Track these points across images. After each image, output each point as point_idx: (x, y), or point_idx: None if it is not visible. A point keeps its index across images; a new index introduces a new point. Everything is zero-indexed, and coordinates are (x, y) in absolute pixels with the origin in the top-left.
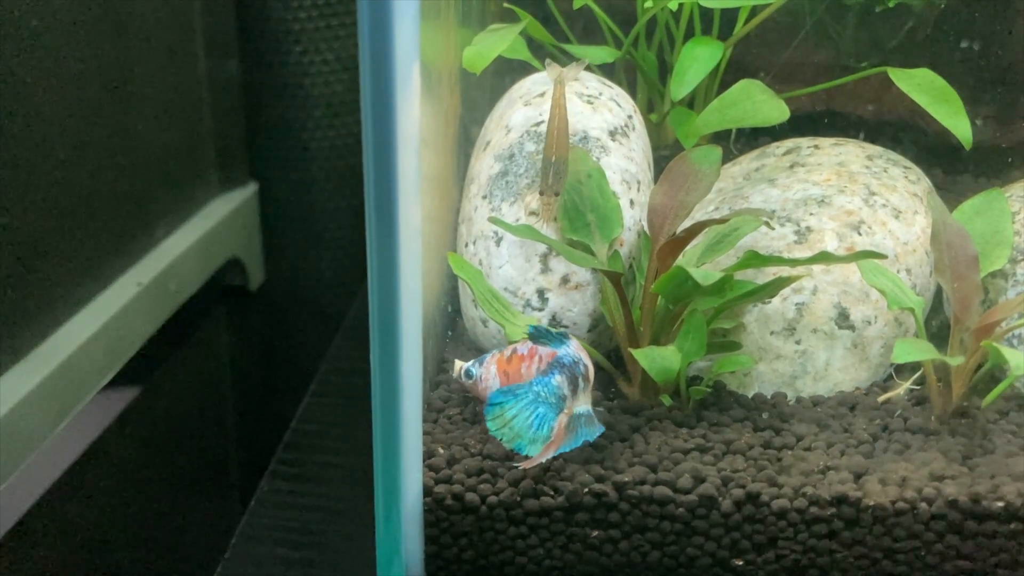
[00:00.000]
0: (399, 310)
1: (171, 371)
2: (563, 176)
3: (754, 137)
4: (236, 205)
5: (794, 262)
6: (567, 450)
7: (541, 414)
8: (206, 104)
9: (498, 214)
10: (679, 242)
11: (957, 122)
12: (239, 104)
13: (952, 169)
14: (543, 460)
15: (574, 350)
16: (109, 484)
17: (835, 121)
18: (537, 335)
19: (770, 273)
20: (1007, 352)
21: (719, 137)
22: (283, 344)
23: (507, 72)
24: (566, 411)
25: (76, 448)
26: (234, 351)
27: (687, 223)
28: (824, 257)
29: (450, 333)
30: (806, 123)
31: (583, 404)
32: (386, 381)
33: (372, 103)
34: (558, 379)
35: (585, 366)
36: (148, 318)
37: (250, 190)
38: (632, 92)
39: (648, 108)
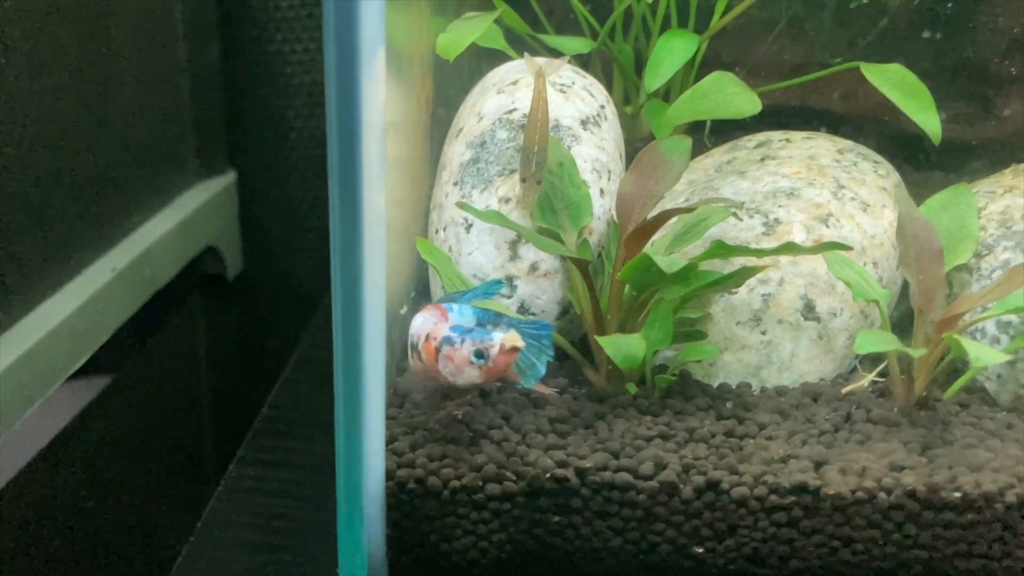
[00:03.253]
0: (362, 295)
1: (145, 359)
2: (544, 165)
3: (730, 131)
4: (214, 193)
5: (760, 252)
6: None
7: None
8: (186, 91)
9: (469, 201)
10: (646, 230)
11: (927, 117)
12: (219, 92)
13: (925, 165)
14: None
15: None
16: (77, 472)
17: (810, 116)
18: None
19: (737, 264)
20: (967, 344)
21: (694, 130)
22: (260, 332)
23: (487, 60)
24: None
25: (44, 435)
26: (211, 339)
27: (656, 212)
28: (790, 248)
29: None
30: (781, 118)
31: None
32: (349, 366)
33: (337, 87)
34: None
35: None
36: (122, 305)
37: (229, 178)
38: (608, 84)
39: (624, 100)
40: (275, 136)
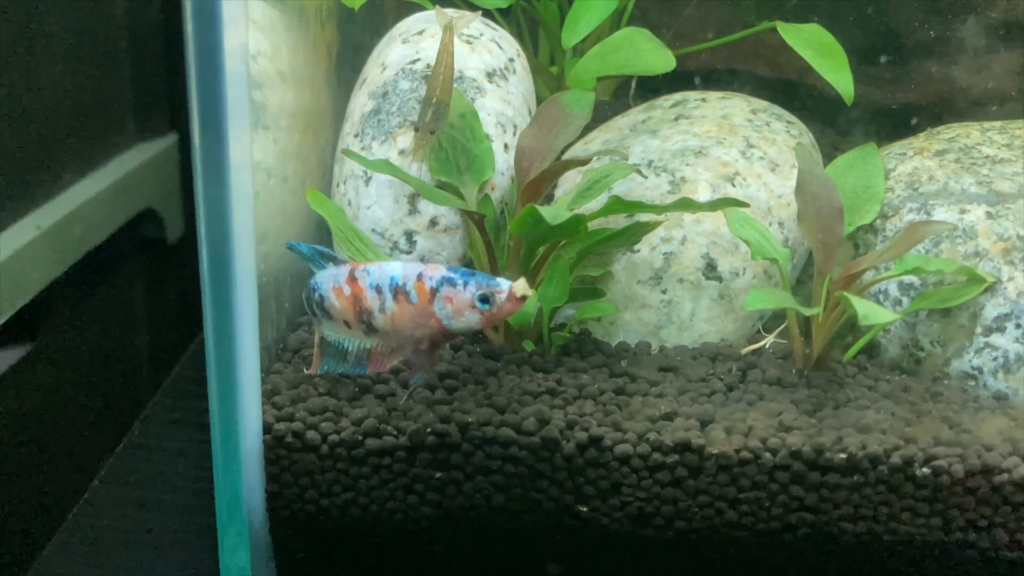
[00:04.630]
0: (231, 247)
1: (75, 322)
2: (442, 119)
3: (662, 92)
4: (154, 154)
5: (655, 208)
6: (318, 372)
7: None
8: (124, 50)
9: (368, 153)
10: (541, 182)
11: (839, 77)
12: (161, 52)
13: (850, 130)
14: (315, 370)
15: (323, 280)
16: None
17: (736, 79)
18: (312, 255)
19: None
20: (856, 302)
21: (623, 91)
22: (200, 297)
23: (407, 12)
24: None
25: None
26: (150, 303)
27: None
28: (686, 204)
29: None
30: (707, 80)
31: (334, 334)
32: (219, 318)
33: (195, 35)
34: (304, 294)
35: (321, 297)
36: (47, 265)
37: (170, 140)
38: (535, 43)
39: (550, 60)
40: None
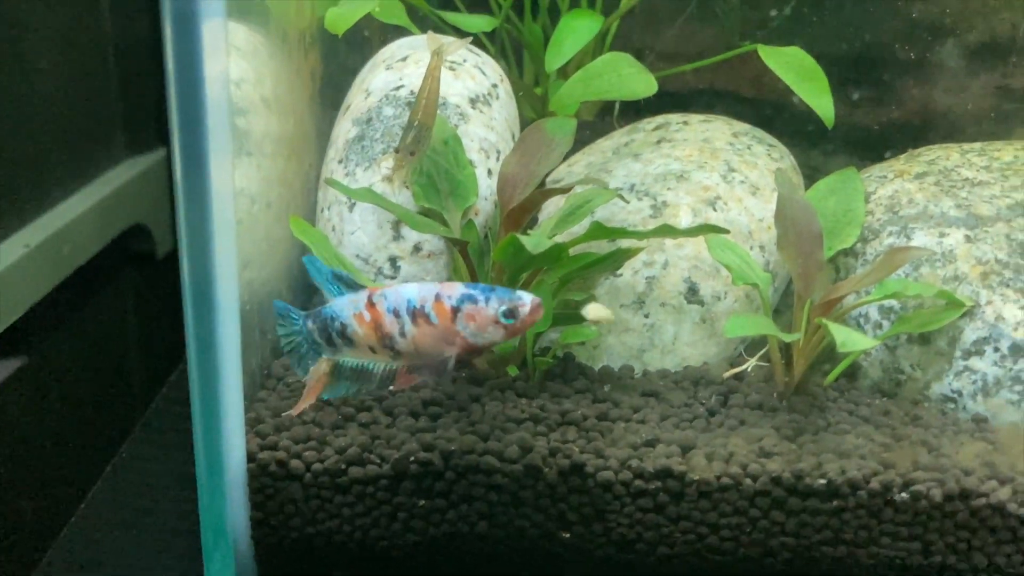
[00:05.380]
0: (213, 274)
1: (65, 339)
2: (424, 142)
3: (646, 113)
4: (143, 169)
5: (637, 234)
6: (332, 396)
7: (303, 348)
8: (112, 65)
9: (352, 179)
10: (524, 209)
11: (820, 101)
12: (149, 67)
13: (833, 151)
14: (306, 405)
15: (342, 308)
16: None
17: (718, 100)
18: (328, 278)
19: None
20: (835, 329)
21: (607, 112)
22: None
23: (392, 37)
24: (325, 359)
25: None
26: (140, 318)
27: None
28: (666, 230)
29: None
30: (690, 101)
31: (350, 357)
32: (202, 346)
33: (176, 61)
34: (310, 325)
35: (343, 325)
36: (36, 283)
37: (159, 155)
38: (519, 65)
39: (535, 82)
40: None
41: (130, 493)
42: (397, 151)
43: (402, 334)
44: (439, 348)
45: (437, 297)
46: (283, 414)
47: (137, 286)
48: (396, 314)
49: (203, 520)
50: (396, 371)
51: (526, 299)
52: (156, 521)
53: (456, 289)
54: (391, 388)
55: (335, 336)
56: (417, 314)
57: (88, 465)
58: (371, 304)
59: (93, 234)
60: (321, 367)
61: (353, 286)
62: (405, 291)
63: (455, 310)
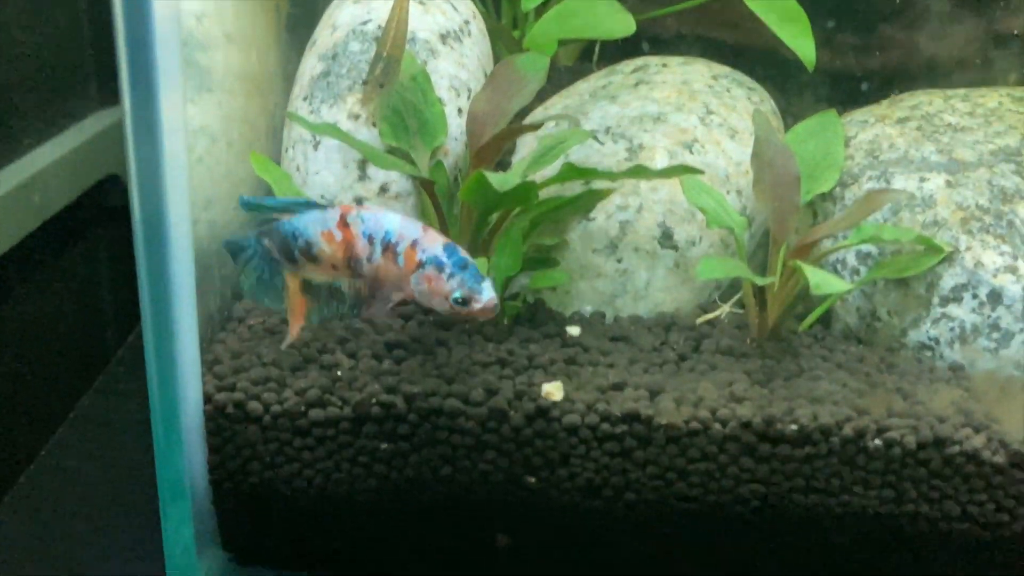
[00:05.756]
0: (165, 212)
1: (33, 289)
2: (392, 75)
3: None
4: (117, 120)
5: (610, 175)
6: (317, 320)
7: (261, 270)
8: (84, 14)
9: (317, 117)
10: (492, 147)
11: (801, 42)
12: None
13: (815, 100)
14: (299, 328)
15: (307, 226)
16: None
17: (700, 46)
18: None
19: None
20: (809, 271)
21: (587, 57)
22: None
23: None
24: (293, 279)
25: None
26: (114, 271)
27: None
28: (640, 171)
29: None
30: (671, 47)
31: (310, 274)
32: (155, 286)
33: None
34: (266, 243)
35: (308, 243)
36: (4, 231)
37: None
38: (497, 7)
39: (512, 24)
40: None
41: (92, 443)
42: (365, 83)
43: (369, 259)
44: (394, 286)
45: (414, 244)
46: (282, 345)
47: (111, 238)
48: (371, 240)
49: (158, 463)
50: (364, 296)
51: (484, 295)
52: (116, 473)
53: (433, 245)
54: (361, 315)
55: (297, 254)
56: (389, 248)
57: (51, 416)
58: (344, 224)
59: (65, 184)
60: (292, 287)
61: (315, 205)
62: (386, 220)
63: (419, 264)
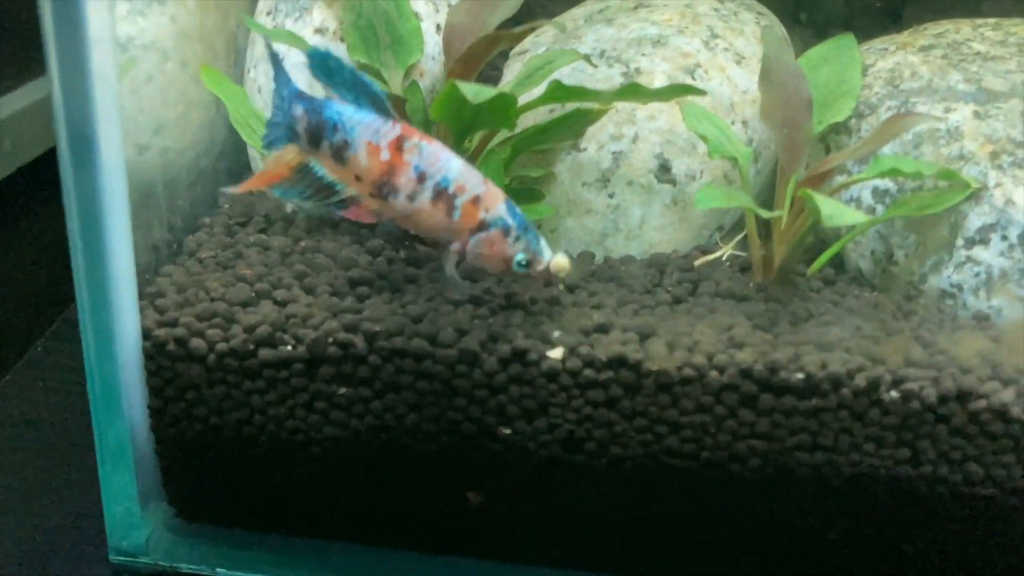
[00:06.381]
0: (94, 131)
1: (10, 239)
2: None
3: None
4: None
5: (601, 95)
6: (283, 196)
7: (279, 129)
8: None
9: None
10: (470, 60)
11: None
12: None
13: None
14: (252, 187)
15: (355, 125)
16: None
17: None
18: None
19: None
20: (820, 200)
21: None
22: None
23: None
24: (296, 151)
25: None
26: None
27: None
28: (634, 90)
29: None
30: None
31: (323, 167)
32: (85, 211)
33: None
34: (297, 112)
35: (345, 142)
36: None
37: None
38: None
39: None
40: None
41: (39, 389)
42: None
43: (410, 198)
44: (436, 232)
45: (476, 200)
46: (223, 189)
47: None
48: (422, 178)
49: (93, 408)
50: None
51: (545, 256)
52: (60, 420)
53: (498, 204)
54: (340, 214)
55: (325, 143)
56: (444, 195)
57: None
58: (398, 147)
59: (38, 132)
60: (287, 156)
61: (384, 110)
62: (447, 163)
63: (482, 224)
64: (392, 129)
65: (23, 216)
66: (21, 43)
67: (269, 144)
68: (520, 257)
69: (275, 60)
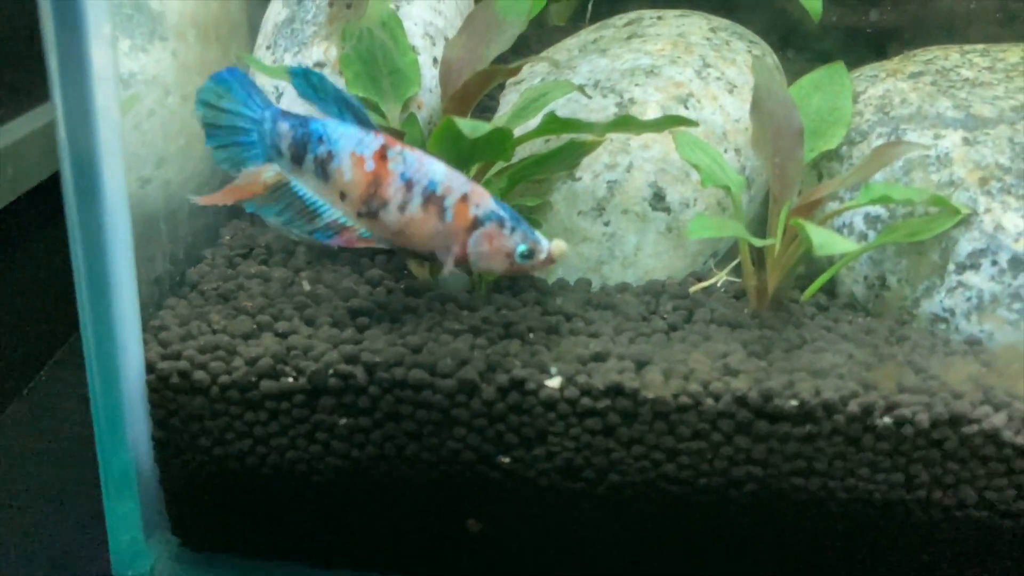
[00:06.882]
0: (99, 167)
1: (13, 263)
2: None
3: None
4: None
5: (595, 127)
6: (260, 213)
7: (253, 148)
8: None
9: (280, 65)
10: (467, 94)
11: None
12: None
13: (822, 59)
14: (220, 201)
15: (339, 137)
16: None
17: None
18: (309, 84)
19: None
20: (812, 229)
21: (579, 18)
22: None
23: None
24: (268, 167)
25: None
26: None
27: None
28: (627, 122)
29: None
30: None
31: (307, 187)
32: (90, 246)
33: None
34: (281, 128)
35: (330, 155)
36: None
37: None
38: None
39: None
40: None
41: (45, 419)
42: (331, 4)
43: (401, 208)
44: (429, 243)
45: (465, 198)
46: (190, 198)
47: None
48: (409, 185)
49: (99, 441)
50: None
51: (543, 244)
52: (64, 445)
53: (486, 200)
54: (333, 242)
55: (309, 158)
56: (432, 199)
57: (9, 392)
58: (382, 156)
59: (40, 159)
60: (264, 173)
61: (365, 122)
62: (432, 167)
63: (475, 222)
64: (375, 139)
65: (25, 243)
66: (23, 71)
67: (242, 161)
68: (522, 248)
69: (245, 81)
